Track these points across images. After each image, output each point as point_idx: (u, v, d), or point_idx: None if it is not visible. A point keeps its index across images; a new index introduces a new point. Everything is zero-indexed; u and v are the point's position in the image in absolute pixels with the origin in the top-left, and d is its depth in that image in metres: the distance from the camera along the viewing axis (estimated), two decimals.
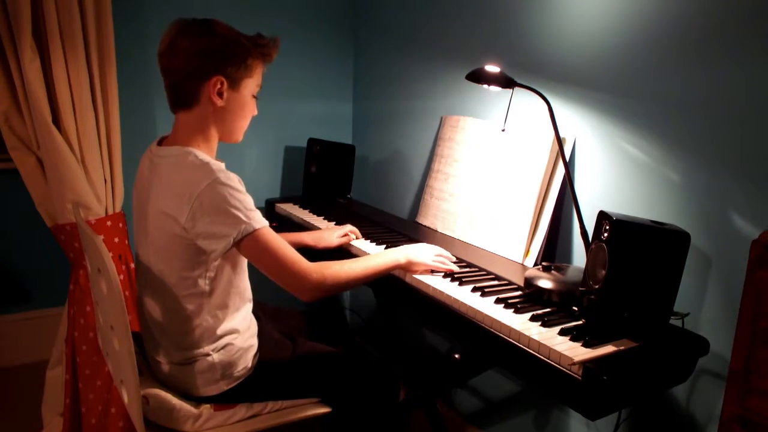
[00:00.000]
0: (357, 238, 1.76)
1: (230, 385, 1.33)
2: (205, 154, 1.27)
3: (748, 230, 1.20)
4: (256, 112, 1.40)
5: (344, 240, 1.74)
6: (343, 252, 1.73)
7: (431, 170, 1.95)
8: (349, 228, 1.78)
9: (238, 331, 1.35)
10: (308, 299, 1.28)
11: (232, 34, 1.29)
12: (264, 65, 1.36)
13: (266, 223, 1.25)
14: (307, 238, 1.77)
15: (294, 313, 1.73)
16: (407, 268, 1.45)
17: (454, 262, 1.51)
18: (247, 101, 1.34)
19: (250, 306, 1.42)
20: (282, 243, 1.25)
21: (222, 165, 1.25)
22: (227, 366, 1.32)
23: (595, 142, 1.51)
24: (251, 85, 1.34)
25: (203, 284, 1.27)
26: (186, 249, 1.23)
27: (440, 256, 1.49)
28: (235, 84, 1.30)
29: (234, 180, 1.22)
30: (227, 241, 1.20)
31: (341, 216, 1.88)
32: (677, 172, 1.33)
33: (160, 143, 1.35)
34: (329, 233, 1.76)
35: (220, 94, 1.28)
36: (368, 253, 1.62)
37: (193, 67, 1.25)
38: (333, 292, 1.31)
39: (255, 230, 1.21)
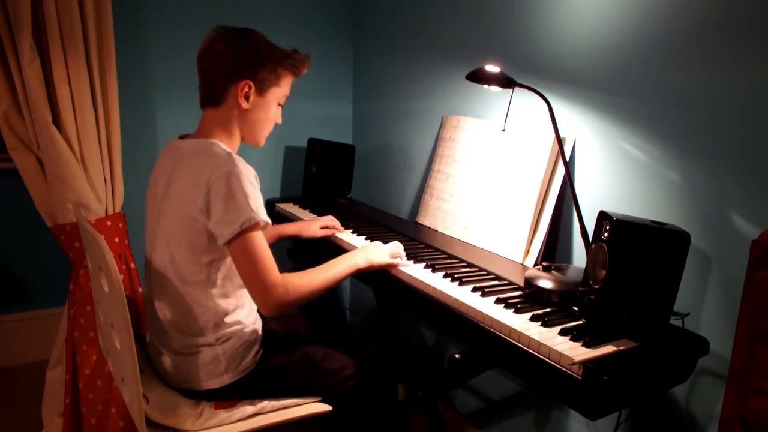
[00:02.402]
0: (339, 231, 1.80)
1: (233, 378, 1.34)
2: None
3: (748, 230, 1.20)
4: (280, 121, 1.46)
5: (327, 233, 1.78)
6: (328, 243, 1.77)
7: (431, 170, 1.95)
8: (329, 220, 1.81)
9: (243, 323, 1.36)
10: (268, 313, 1.28)
11: (266, 44, 1.37)
12: (293, 77, 1.43)
13: (270, 221, 1.27)
14: (290, 228, 1.81)
15: (295, 313, 1.73)
16: (368, 269, 1.47)
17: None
18: (270, 108, 1.41)
19: (255, 305, 1.42)
20: (266, 251, 1.26)
21: (243, 160, 1.28)
22: (231, 358, 1.34)
23: (595, 142, 1.51)
24: (278, 93, 1.40)
25: (210, 272, 1.30)
26: (198, 233, 1.26)
27: (395, 254, 1.51)
28: (262, 90, 1.36)
29: (251, 173, 1.27)
30: (234, 228, 1.21)
31: (341, 216, 1.89)
32: (677, 172, 1.33)
33: (182, 138, 1.39)
34: (311, 224, 1.80)
35: (246, 98, 1.35)
36: (354, 246, 1.64)
37: (226, 69, 1.32)
38: (293, 307, 1.30)
39: (259, 222, 1.23)
